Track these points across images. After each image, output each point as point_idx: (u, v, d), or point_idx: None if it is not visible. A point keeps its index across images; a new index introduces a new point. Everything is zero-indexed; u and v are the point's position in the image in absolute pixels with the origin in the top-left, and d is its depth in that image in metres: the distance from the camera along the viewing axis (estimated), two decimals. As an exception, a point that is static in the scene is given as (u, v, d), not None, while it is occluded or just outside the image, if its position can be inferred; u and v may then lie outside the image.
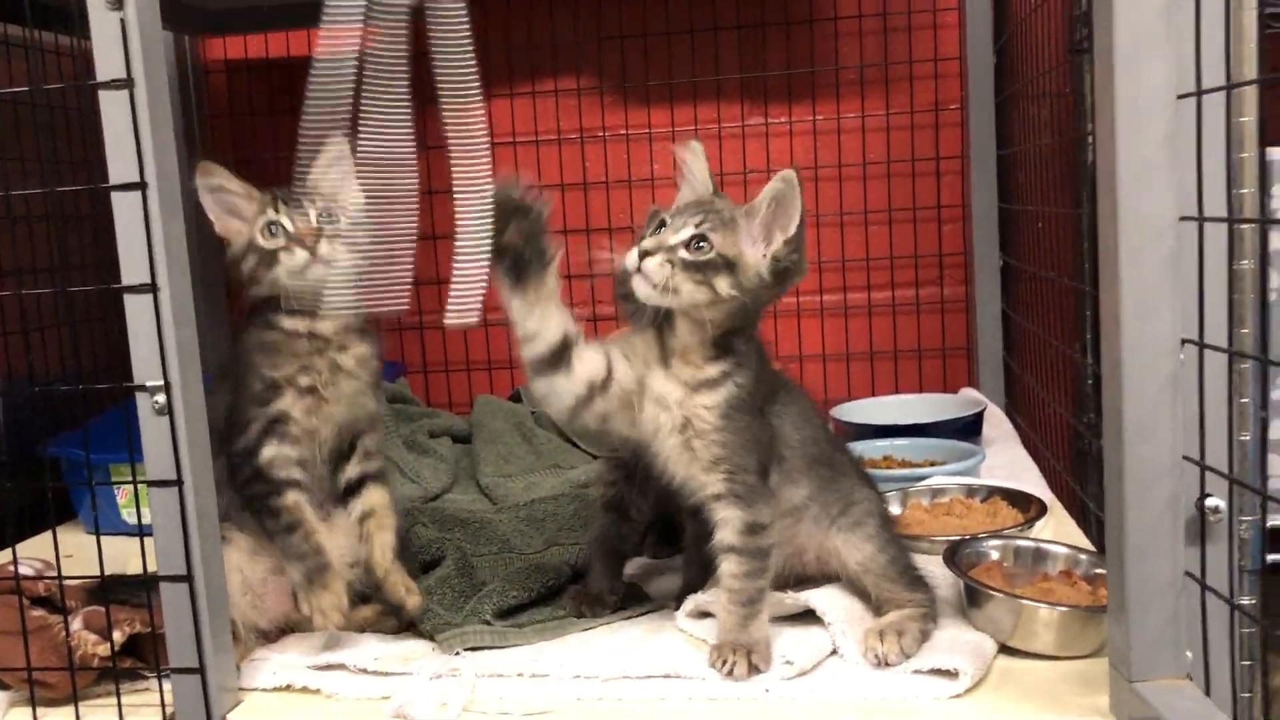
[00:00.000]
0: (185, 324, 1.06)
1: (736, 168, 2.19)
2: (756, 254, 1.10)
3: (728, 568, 1.11)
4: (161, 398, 1.04)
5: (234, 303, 2.32)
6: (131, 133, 1.01)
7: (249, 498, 1.21)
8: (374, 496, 1.27)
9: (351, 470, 1.27)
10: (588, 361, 1.12)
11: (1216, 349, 0.88)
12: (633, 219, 2.11)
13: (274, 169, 2.28)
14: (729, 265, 1.08)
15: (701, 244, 1.08)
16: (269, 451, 1.20)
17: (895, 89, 2.16)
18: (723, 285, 1.08)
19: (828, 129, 2.18)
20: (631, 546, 1.36)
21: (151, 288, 1.03)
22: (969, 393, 2.04)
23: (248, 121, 2.32)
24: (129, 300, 1.04)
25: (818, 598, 1.18)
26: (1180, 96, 0.87)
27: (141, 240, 1.03)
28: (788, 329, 2.22)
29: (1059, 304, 1.68)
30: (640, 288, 1.09)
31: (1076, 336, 1.60)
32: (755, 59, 2.18)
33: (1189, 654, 0.93)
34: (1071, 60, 1.59)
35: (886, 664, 1.09)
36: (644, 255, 1.08)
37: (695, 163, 1.17)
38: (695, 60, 2.19)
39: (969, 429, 1.79)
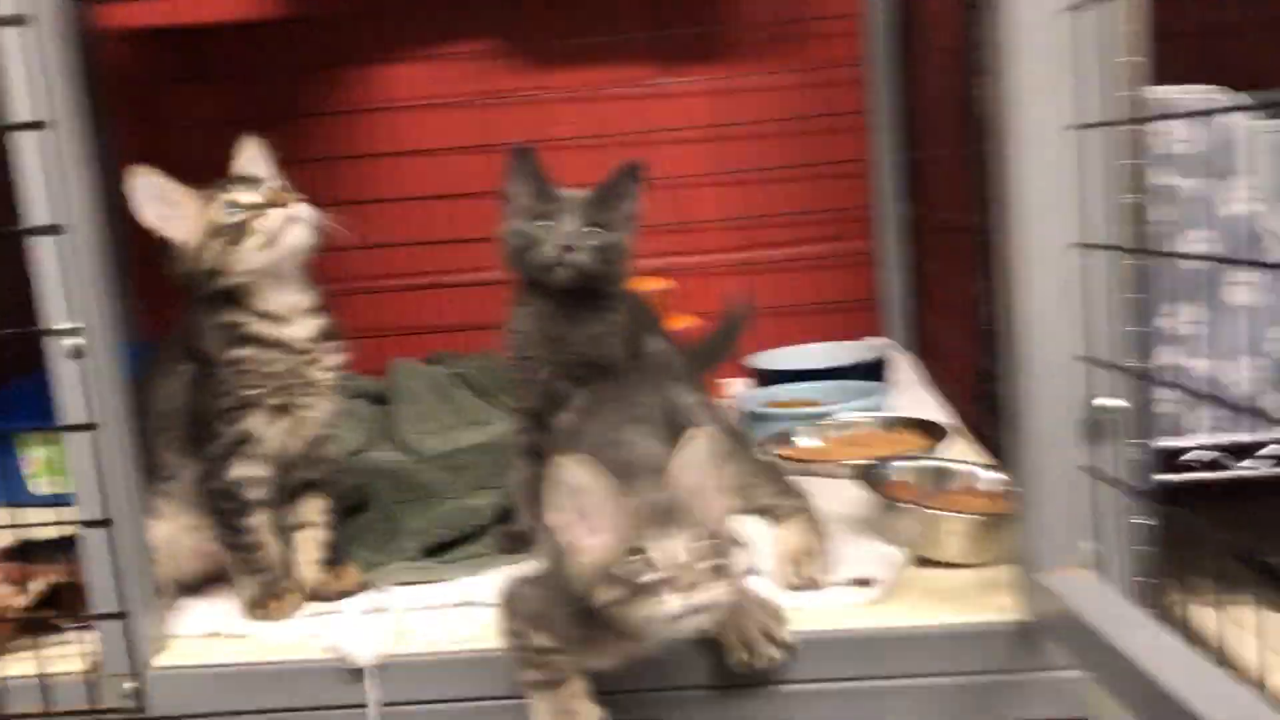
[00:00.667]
0: (100, 266, 1.05)
1: (642, 127, 2.21)
2: None
3: None
4: (72, 341, 1.03)
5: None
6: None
7: (214, 509, 1.18)
8: (310, 508, 1.24)
9: (297, 474, 1.24)
10: None
11: (1099, 247, 0.93)
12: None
13: (181, 140, 2.25)
14: None
15: None
16: (237, 471, 1.17)
17: (797, 47, 2.20)
18: None
19: (732, 88, 2.21)
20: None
21: (55, 229, 1.02)
22: (872, 340, 2.11)
23: (150, 89, 2.27)
24: (36, 245, 1.02)
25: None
26: None
27: (41, 182, 1.01)
28: (700, 286, 2.25)
29: (962, 250, 1.74)
30: None
31: (977, 279, 1.65)
32: (658, 18, 2.20)
33: (1089, 544, 0.98)
34: (966, 9, 1.64)
35: (815, 586, 1.12)
36: None
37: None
38: (598, 20, 2.20)
39: (871, 372, 1.86)
